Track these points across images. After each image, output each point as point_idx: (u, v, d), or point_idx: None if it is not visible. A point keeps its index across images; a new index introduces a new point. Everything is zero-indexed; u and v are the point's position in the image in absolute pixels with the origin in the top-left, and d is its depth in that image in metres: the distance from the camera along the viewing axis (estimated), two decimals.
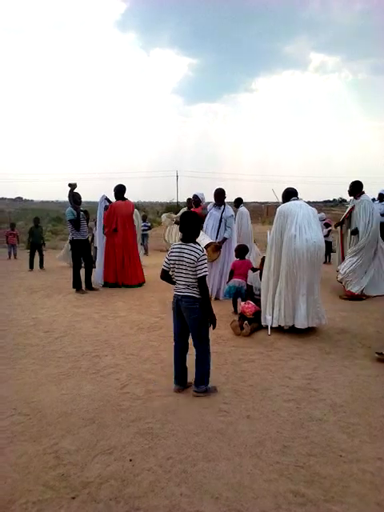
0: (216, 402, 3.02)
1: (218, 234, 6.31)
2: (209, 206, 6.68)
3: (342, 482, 2.15)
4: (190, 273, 2.99)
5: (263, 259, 5.00)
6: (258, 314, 4.75)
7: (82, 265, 7.27)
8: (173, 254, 3.07)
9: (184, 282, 3.04)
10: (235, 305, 5.52)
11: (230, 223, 6.43)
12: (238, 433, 2.60)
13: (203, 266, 2.95)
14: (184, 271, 3.02)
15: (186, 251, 3.00)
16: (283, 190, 4.98)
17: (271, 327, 4.58)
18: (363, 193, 6.60)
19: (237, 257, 5.72)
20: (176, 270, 3.07)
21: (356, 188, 6.63)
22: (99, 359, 3.89)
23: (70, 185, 7.31)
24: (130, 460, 2.33)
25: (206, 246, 6.06)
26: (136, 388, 3.26)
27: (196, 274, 2.96)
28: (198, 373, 3.13)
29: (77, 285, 7.09)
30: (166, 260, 3.13)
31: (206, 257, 3.02)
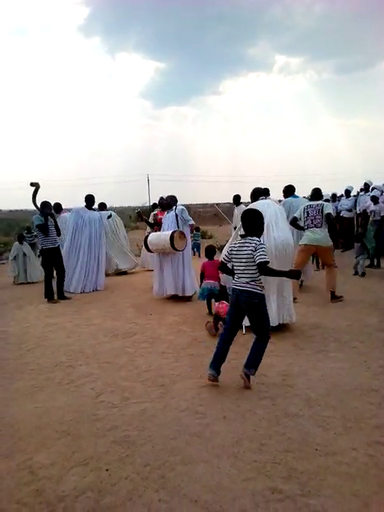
0: (192, 404, 3.01)
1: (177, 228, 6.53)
2: (165, 215, 6.92)
3: (318, 475, 2.18)
4: (250, 265, 3.11)
5: None
6: None
7: (54, 274, 7.11)
8: (234, 248, 3.24)
9: (244, 276, 3.15)
10: (209, 306, 5.53)
11: (186, 215, 6.68)
12: (215, 434, 2.60)
13: (261, 253, 3.05)
14: (244, 264, 3.14)
15: (245, 244, 3.15)
16: (251, 190, 5.03)
17: (245, 326, 4.61)
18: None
19: (206, 257, 5.74)
20: (236, 264, 3.22)
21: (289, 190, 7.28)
22: (73, 369, 3.81)
23: (32, 184, 6.93)
24: (107, 470, 2.29)
25: (172, 234, 6.17)
26: (111, 396, 3.21)
27: (255, 264, 3.06)
28: (253, 358, 3.24)
29: (48, 295, 6.90)
30: (227, 253, 3.32)
31: (264, 246, 3.14)
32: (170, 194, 6.94)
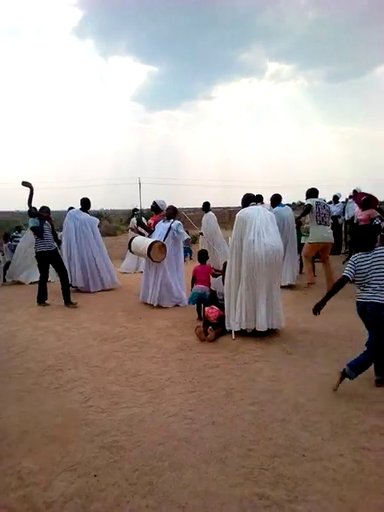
0: (182, 409, 3.02)
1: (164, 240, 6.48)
2: (159, 222, 6.86)
3: (305, 481, 2.20)
4: None
5: (225, 264, 5.07)
6: (222, 319, 4.80)
7: (48, 279, 7.07)
8: (365, 262, 3.26)
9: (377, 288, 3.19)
10: (199, 311, 5.54)
11: (181, 231, 6.65)
12: (203, 440, 2.61)
13: None
14: (380, 276, 3.19)
15: (378, 256, 3.25)
16: (242, 196, 5.08)
17: (235, 331, 4.64)
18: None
19: (199, 261, 5.77)
20: (369, 277, 3.22)
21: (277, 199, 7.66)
22: (62, 373, 3.80)
23: (24, 183, 6.64)
24: (95, 475, 2.29)
25: (153, 243, 6.16)
26: (100, 401, 3.21)
27: None
28: (360, 365, 3.21)
29: (40, 298, 6.74)
30: (352, 269, 3.29)
31: None
32: (171, 205, 6.93)
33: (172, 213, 6.80)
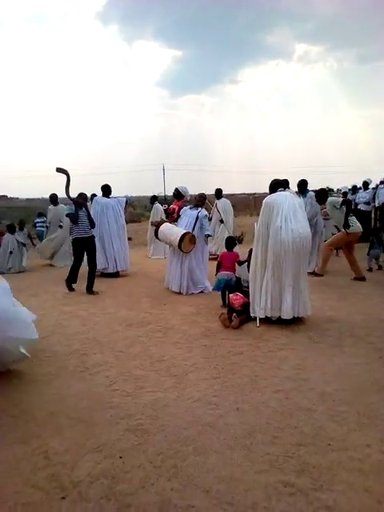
0: (205, 395, 3.02)
1: (193, 230, 6.39)
2: (185, 208, 6.79)
3: (330, 470, 2.16)
4: None
5: (251, 251, 5.01)
6: (246, 306, 4.76)
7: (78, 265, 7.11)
8: None
9: None
10: (224, 297, 5.52)
11: (206, 223, 6.59)
12: (227, 425, 2.60)
13: None
14: None
15: None
16: (270, 181, 4.98)
17: (260, 319, 4.59)
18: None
19: (226, 248, 5.74)
20: None
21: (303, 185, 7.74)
22: (87, 357, 3.86)
23: (60, 170, 6.53)
24: (120, 457, 2.32)
25: (184, 235, 6.11)
26: (125, 385, 3.24)
27: None
28: None
29: (70, 280, 6.83)
30: None
31: None
32: (201, 193, 6.87)
33: (201, 201, 6.71)
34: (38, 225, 11.95)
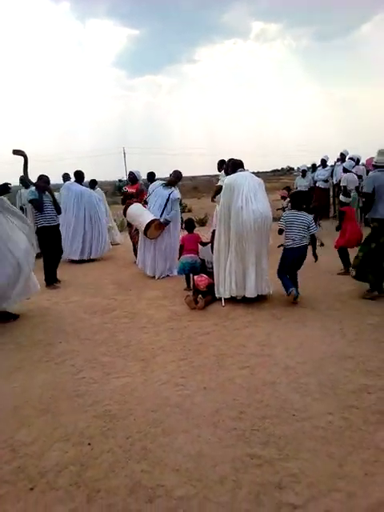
0: (173, 377, 3.05)
1: (162, 214, 6.20)
2: (155, 184, 6.57)
3: (295, 439, 2.25)
4: (302, 231, 4.52)
5: (214, 232, 5.03)
6: (211, 287, 4.80)
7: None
8: (288, 217, 4.62)
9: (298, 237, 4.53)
10: (188, 280, 5.53)
11: (176, 206, 6.42)
12: (195, 405, 2.64)
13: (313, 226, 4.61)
14: (296, 229, 4.53)
15: (300, 217, 4.57)
16: (229, 162, 4.98)
17: (225, 299, 4.65)
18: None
19: (186, 230, 5.71)
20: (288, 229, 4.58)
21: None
22: (52, 347, 3.79)
23: (17, 152, 5.38)
24: (89, 444, 2.31)
25: (150, 223, 6.02)
26: (92, 372, 3.22)
27: (309, 232, 4.56)
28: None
29: (50, 279, 6.07)
30: (283, 222, 4.63)
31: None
32: (176, 170, 6.48)
33: (174, 179, 6.42)
34: None
